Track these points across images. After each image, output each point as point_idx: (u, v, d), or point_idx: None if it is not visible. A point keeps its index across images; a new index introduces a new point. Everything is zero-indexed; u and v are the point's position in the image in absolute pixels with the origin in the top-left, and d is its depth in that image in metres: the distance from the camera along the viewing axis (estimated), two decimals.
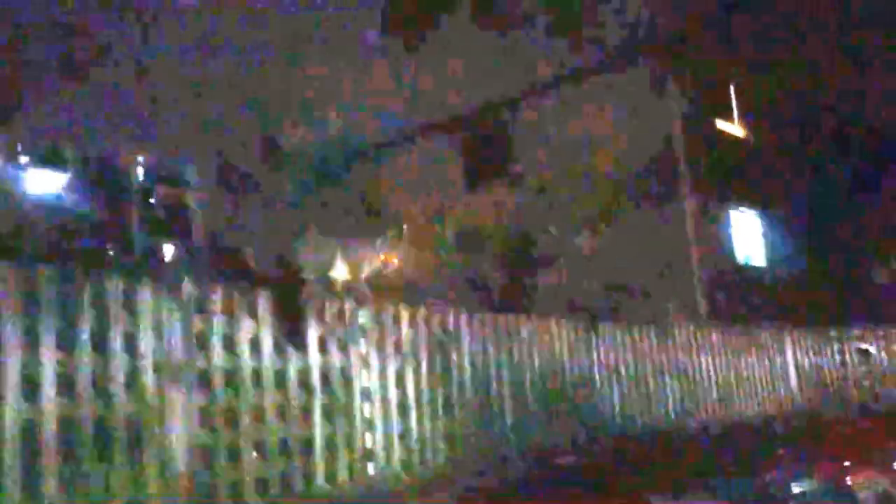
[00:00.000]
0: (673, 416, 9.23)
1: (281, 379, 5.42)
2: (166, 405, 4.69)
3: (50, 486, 4.10)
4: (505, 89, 17.79)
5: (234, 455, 5.04)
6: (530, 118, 17.57)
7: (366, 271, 6.45)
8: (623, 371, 8.72)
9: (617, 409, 8.51)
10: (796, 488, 7.34)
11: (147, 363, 4.65)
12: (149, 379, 4.64)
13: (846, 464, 8.22)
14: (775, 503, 7.15)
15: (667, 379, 9.31)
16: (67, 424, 4.24)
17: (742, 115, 19.29)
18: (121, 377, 4.52)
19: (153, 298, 4.76)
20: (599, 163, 15.66)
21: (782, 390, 11.28)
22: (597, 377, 8.37)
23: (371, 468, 5.93)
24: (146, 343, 4.67)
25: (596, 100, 16.59)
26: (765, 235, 19.20)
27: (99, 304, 4.50)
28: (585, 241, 11.49)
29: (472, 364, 7.00)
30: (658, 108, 16.84)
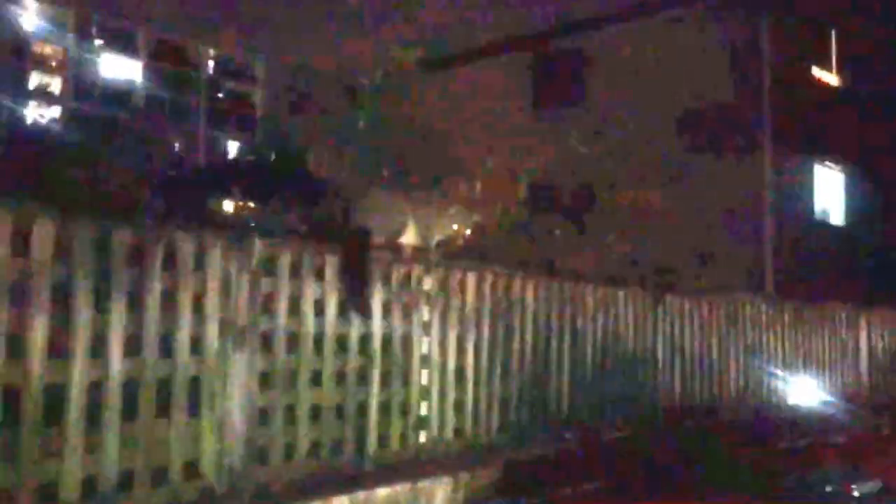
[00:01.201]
0: (735, 397, 9.11)
1: (342, 343, 5.44)
2: (228, 366, 4.73)
3: (110, 445, 4.19)
4: (584, 9, 17.20)
5: (290, 418, 5.10)
6: (607, 46, 16.99)
7: (436, 237, 6.36)
8: (687, 347, 8.60)
9: (678, 386, 8.42)
10: (856, 490, 7.24)
11: (213, 324, 4.68)
12: (213, 340, 4.68)
13: None
14: None
15: (732, 357, 9.17)
16: (131, 384, 4.31)
17: (840, 63, 18.41)
18: (186, 338, 4.56)
19: (223, 257, 4.75)
20: (677, 103, 15.13)
21: (851, 376, 11.04)
22: (659, 352, 8.27)
23: (423, 436, 5.97)
24: (213, 303, 4.68)
25: (679, 33, 15.95)
26: (847, 195, 18.55)
27: (169, 262, 4.51)
28: (656, 197, 11.17)
29: (534, 333, 6.95)
30: (747, 46, 16.15)
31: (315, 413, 5.27)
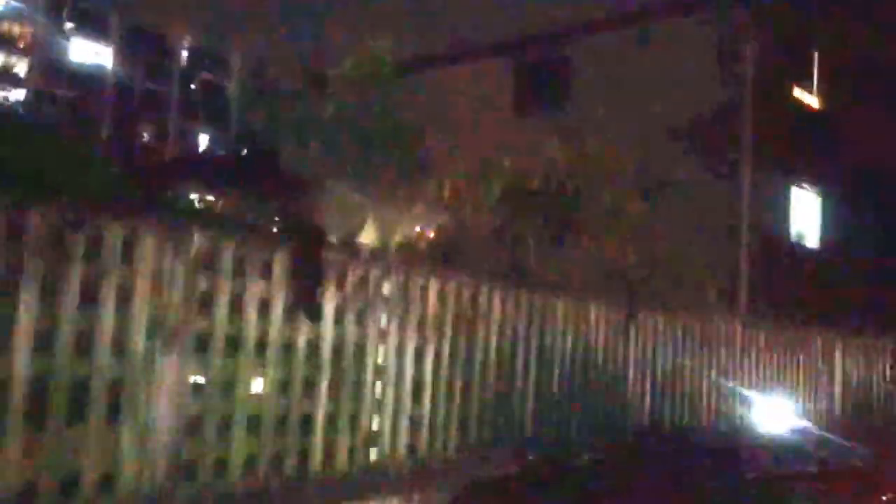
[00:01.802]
0: (706, 421, 8.73)
1: (288, 349, 4.97)
2: (156, 369, 4.26)
3: (13, 450, 3.71)
4: (567, 16, 16.90)
5: (224, 429, 4.63)
6: (590, 54, 16.74)
7: (397, 236, 5.92)
8: (659, 366, 8.21)
9: (648, 408, 8.03)
10: None
11: (140, 321, 4.20)
12: (140, 339, 4.20)
13: (884, 499, 7.75)
14: None
15: (705, 379, 8.79)
16: (42, 384, 3.82)
17: (821, 85, 18.21)
18: (108, 335, 4.08)
19: (155, 248, 4.28)
20: (658, 117, 14.85)
21: (825, 403, 10.72)
22: (630, 370, 7.88)
23: (374, 452, 5.52)
24: (141, 298, 4.21)
25: (664, 44, 15.68)
26: (824, 219, 18.33)
27: (94, 249, 4.03)
28: (636, 207, 10.78)
29: (499, 346, 6.52)
30: (729, 63, 15.90)
31: (253, 424, 4.80)
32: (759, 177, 16.13)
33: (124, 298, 4.16)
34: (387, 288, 5.64)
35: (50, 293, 3.86)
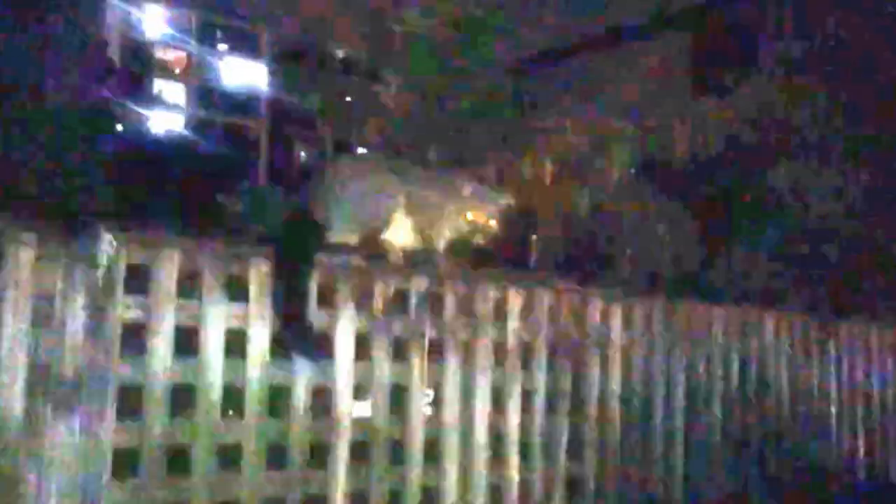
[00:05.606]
0: None
1: (278, 400, 3.55)
2: (46, 440, 2.96)
3: None
4: None
5: None
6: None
7: (449, 231, 4.39)
8: (873, 396, 6.16)
9: (860, 453, 6.00)
10: None
11: (12, 372, 2.91)
12: (16, 398, 2.91)
13: None
14: None
15: None
16: None
17: None
18: None
19: (38, 261, 2.98)
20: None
21: None
22: (832, 403, 5.89)
23: None
24: (13, 334, 2.92)
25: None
26: None
27: None
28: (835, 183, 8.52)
29: (624, 381, 4.82)
30: None
31: None
32: None
33: None
34: (447, 306, 4.11)
35: None
